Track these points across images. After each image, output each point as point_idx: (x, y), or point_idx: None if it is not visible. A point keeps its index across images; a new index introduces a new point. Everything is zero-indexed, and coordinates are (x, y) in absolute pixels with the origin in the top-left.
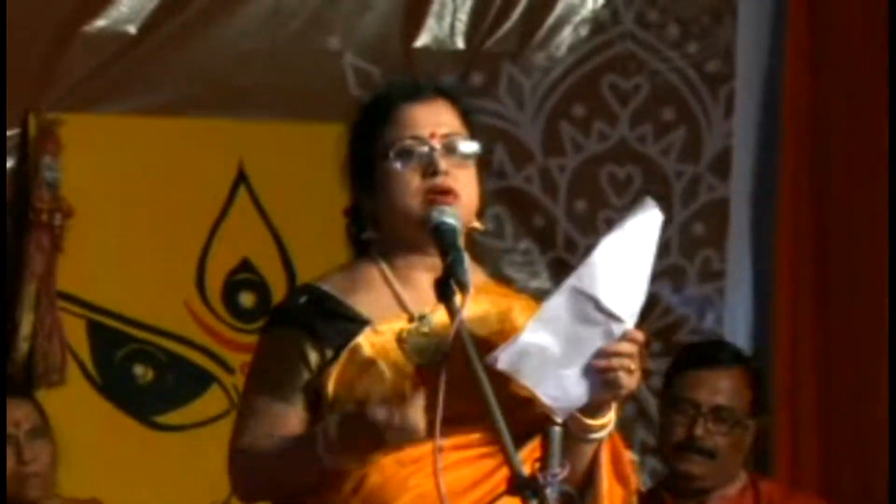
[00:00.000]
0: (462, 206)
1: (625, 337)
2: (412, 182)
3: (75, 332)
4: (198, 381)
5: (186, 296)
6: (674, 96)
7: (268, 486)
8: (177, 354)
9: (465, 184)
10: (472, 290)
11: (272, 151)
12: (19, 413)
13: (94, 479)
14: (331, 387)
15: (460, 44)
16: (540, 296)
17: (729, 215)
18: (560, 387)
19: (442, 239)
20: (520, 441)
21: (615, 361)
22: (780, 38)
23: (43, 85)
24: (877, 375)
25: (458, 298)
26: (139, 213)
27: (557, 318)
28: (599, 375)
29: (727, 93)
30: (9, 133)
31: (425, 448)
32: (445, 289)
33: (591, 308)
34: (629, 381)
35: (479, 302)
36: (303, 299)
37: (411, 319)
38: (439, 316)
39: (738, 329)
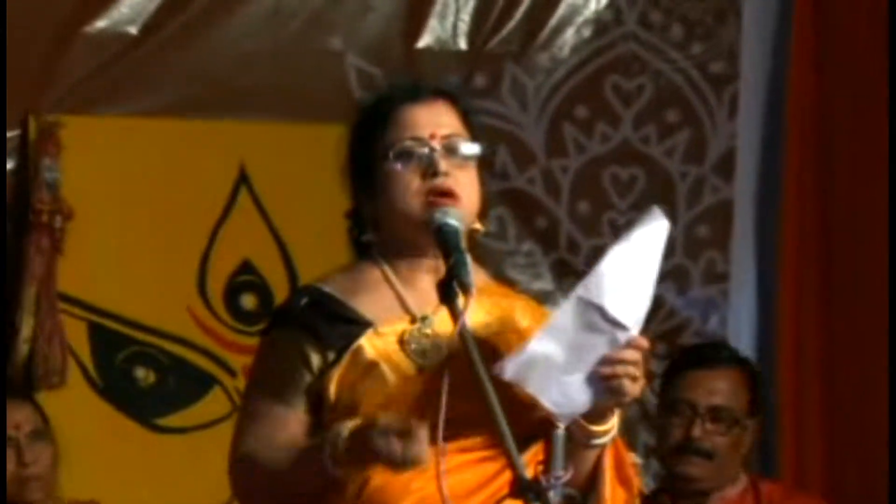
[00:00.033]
0: (462, 208)
1: (629, 344)
2: (412, 183)
3: (76, 335)
4: (199, 384)
5: (188, 298)
6: (677, 97)
7: (270, 493)
8: (178, 357)
9: (465, 185)
10: (474, 291)
11: (274, 153)
12: (20, 415)
13: (94, 482)
14: (332, 389)
15: (463, 45)
16: (543, 298)
17: (733, 217)
18: (563, 393)
19: (445, 241)
20: (523, 444)
21: (619, 369)
22: (785, 39)
23: (43, 86)
24: (881, 377)
25: (460, 300)
26: (140, 214)
27: (564, 327)
28: (603, 382)
29: (731, 94)
30: (9, 134)
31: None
32: (448, 291)
33: (597, 317)
34: (633, 389)
35: (480, 303)
36: (304, 301)
37: (413, 321)
38: (441, 317)
39: (742, 331)
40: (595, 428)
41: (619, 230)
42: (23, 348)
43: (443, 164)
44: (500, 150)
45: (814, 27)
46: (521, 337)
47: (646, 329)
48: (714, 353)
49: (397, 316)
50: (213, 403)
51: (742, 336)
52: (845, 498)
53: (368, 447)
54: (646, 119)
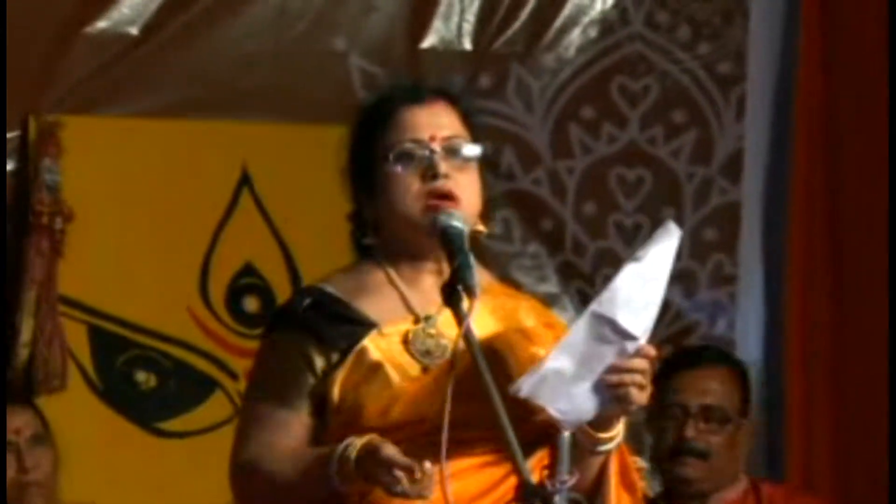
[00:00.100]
0: (462, 210)
1: (637, 353)
2: (412, 185)
3: (76, 338)
4: (201, 387)
5: (189, 300)
6: (684, 98)
7: (271, 499)
8: (179, 360)
9: (465, 187)
10: (479, 294)
11: (276, 154)
12: (20, 420)
13: (95, 486)
14: (336, 391)
15: (467, 45)
16: (548, 300)
17: (740, 219)
18: (570, 401)
19: (450, 243)
20: (528, 448)
21: (627, 377)
22: (793, 39)
23: (43, 86)
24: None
25: (465, 303)
26: (141, 216)
27: (577, 342)
28: (611, 390)
29: (738, 94)
30: (9, 135)
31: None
32: (453, 293)
33: (609, 330)
34: (640, 397)
35: (485, 304)
36: (307, 302)
37: (417, 321)
38: (445, 317)
39: (749, 334)
40: (601, 435)
41: (625, 232)
42: (23, 352)
43: (443, 167)
44: (505, 151)
45: (821, 28)
46: (526, 337)
47: (653, 333)
48: (702, 354)
49: (401, 316)
50: (215, 407)
51: (750, 339)
52: (853, 501)
53: (370, 475)
54: (652, 120)
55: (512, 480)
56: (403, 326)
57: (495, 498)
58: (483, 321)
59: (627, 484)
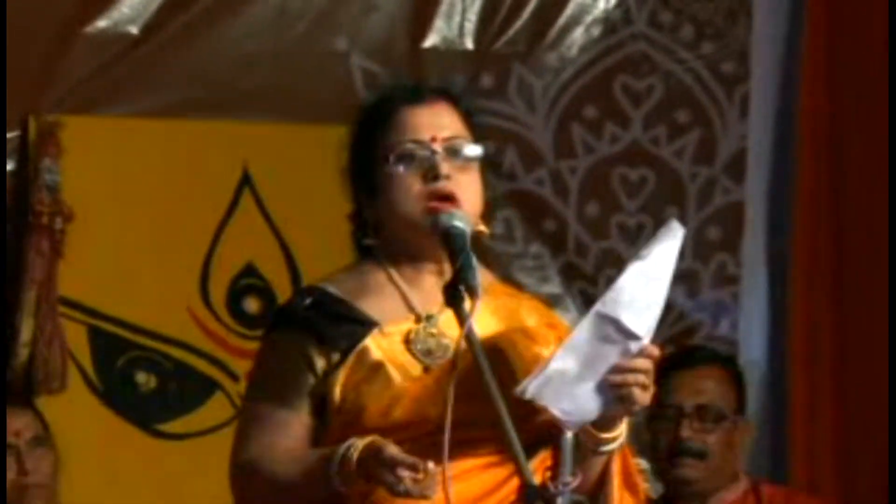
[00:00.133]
0: (464, 211)
1: (641, 353)
2: (413, 186)
3: (76, 339)
4: (201, 389)
5: (190, 301)
6: (688, 98)
7: (271, 500)
8: (180, 361)
9: (466, 188)
10: (481, 294)
11: (277, 154)
12: (20, 422)
13: (95, 489)
14: (337, 391)
15: (469, 44)
16: (551, 301)
17: (744, 218)
18: (573, 401)
19: (452, 244)
20: (531, 449)
21: (630, 377)
22: (796, 39)
23: (43, 86)
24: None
25: (467, 304)
26: (141, 216)
27: (581, 343)
28: (614, 391)
29: (742, 94)
30: (8, 135)
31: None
32: (455, 294)
33: (612, 329)
34: (643, 397)
35: (486, 303)
36: (307, 301)
37: (418, 320)
38: (447, 316)
39: (753, 334)
40: (603, 435)
41: (628, 232)
42: (22, 352)
43: (444, 167)
44: (507, 151)
45: (825, 27)
46: (528, 336)
47: (655, 333)
48: (696, 354)
49: (402, 316)
50: (216, 409)
51: (753, 340)
52: (857, 502)
53: (373, 475)
54: (655, 120)
55: (515, 481)
56: (405, 326)
57: (499, 499)
58: (485, 321)
59: (630, 485)
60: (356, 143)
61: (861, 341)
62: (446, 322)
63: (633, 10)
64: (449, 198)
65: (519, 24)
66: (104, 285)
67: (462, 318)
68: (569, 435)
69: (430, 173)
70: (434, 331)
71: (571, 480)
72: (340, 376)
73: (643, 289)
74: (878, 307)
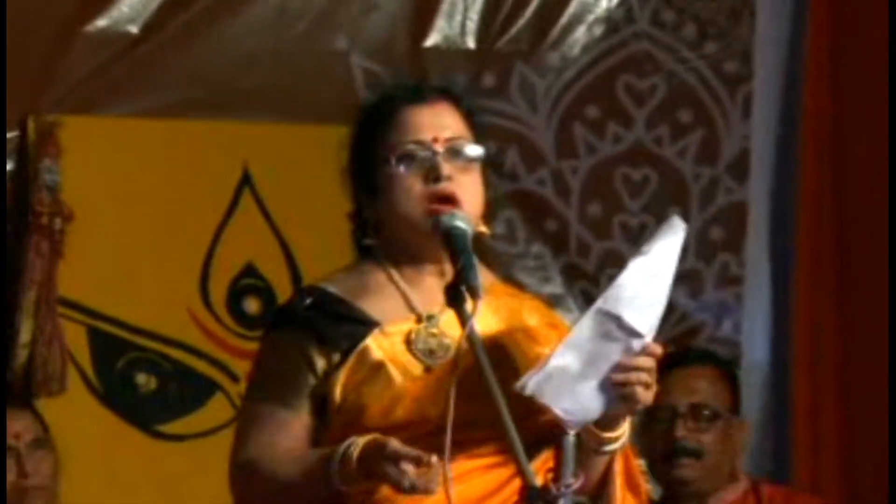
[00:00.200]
0: (465, 212)
1: (643, 351)
2: (414, 187)
3: (76, 340)
4: (201, 390)
5: (190, 302)
6: (691, 97)
7: (271, 501)
8: (180, 362)
9: (467, 189)
10: (482, 295)
11: (277, 154)
12: (20, 424)
13: (95, 490)
14: (338, 392)
15: (471, 43)
16: (552, 301)
17: (747, 219)
18: (575, 400)
19: (453, 244)
20: (532, 450)
21: (633, 376)
22: (800, 38)
23: (43, 86)
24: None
25: (468, 304)
26: (141, 216)
27: (582, 339)
28: (617, 389)
29: (745, 94)
30: (8, 135)
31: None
32: (456, 294)
33: (614, 327)
34: (646, 396)
35: (488, 303)
36: (308, 301)
37: (419, 320)
38: (448, 316)
39: (756, 335)
40: (606, 434)
41: (630, 232)
42: (22, 354)
43: (445, 168)
44: (509, 151)
45: (828, 26)
46: (529, 336)
47: (658, 334)
48: (688, 354)
49: (403, 316)
50: (216, 410)
51: (756, 340)
52: (860, 503)
53: (376, 470)
54: (658, 119)
55: (517, 482)
56: (406, 326)
57: (501, 499)
58: (486, 321)
59: (632, 486)
60: (357, 143)
61: (864, 342)
62: (447, 322)
63: (635, 9)
64: (450, 199)
65: (521, 23)
66: (104, 286)
67: (464, 319)
68: (570, 436)
69: (432, 174)
70: (435, 331)
71: (573, 482)
72: (341, 376)
73: (645, 285)
74: (881, 307)
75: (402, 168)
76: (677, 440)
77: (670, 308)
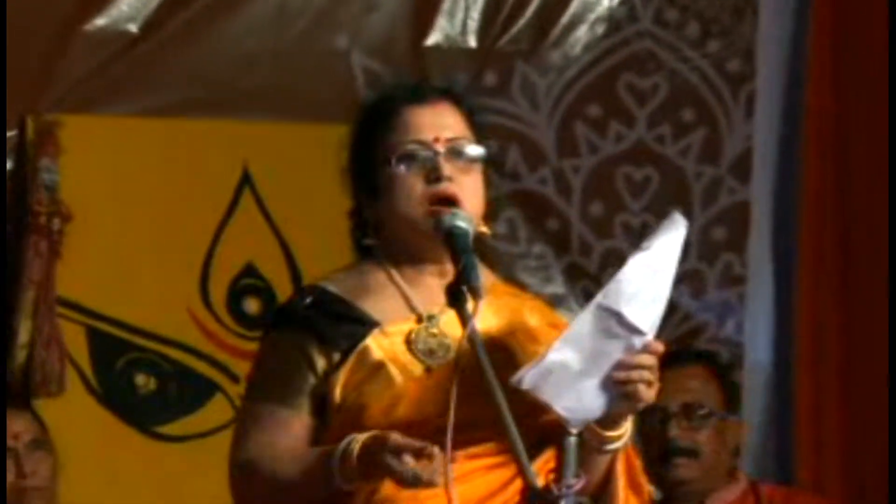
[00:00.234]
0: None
1: (645, 348)
2: (415, 187)
3: (75, 340)
4: (201, 391)
5: (189, 302)
6: (693, 96)
7: (272, 501)
8: (179, 363)
9: (468, 190)
10: (484, 295)
11: (277, 154)
12: (19, 425)
13: (94, 491)
14: (338, 392)
15: (472, 42)
16: (554, 301)
17: (750, 219)
18: (577, 399)
19: (455, 244)
20: (534, 450)
21: (634, 374)
22: (803, 37)
23: (42, 85)
24: None
25: (470, 304)
26: (141, 216)
27: (582, 335)
28: (619, 387)
29: (748, 93)
30: (6, 134)
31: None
32: (458, 295)
33: (615, 323)
34: (648, 394)
35: (489, 303)
36: (308, 301)
37: (420, 320)
38: (449, 316)
39: (759, 336)
40: (608, 433)
41: (632, 232)
42: (20, 354)
43: (447, 169)
44: (510, 151)
45: (831, 25)
46: (530, 336)
47: (660, 334)
48: (678, 354)
49: (403, 316)
50: (216, 411)
51: (759, 341)
52: (864, 503)
53: (379, 463)
54: (660, 118)
55: (519, 483)
56: (406, 326)
57: (504, 499)
58: (487, 321)
59: (635, 486)
60: (357, 142)
61: (867, 341)
62: (448, 322)
63: (637, 8)
64: (451, 200)
65: (522, 21)
66: (103, 286)
67: (465, 319)
68: (572, 437)
69: (433, 175)
70: (436, 331)
71: (575, 482)
72: (341, 376)
73: (647, 282)
74: (884, 306)
75: (402, 168)
76: (671, 440)
77: (673, 308)
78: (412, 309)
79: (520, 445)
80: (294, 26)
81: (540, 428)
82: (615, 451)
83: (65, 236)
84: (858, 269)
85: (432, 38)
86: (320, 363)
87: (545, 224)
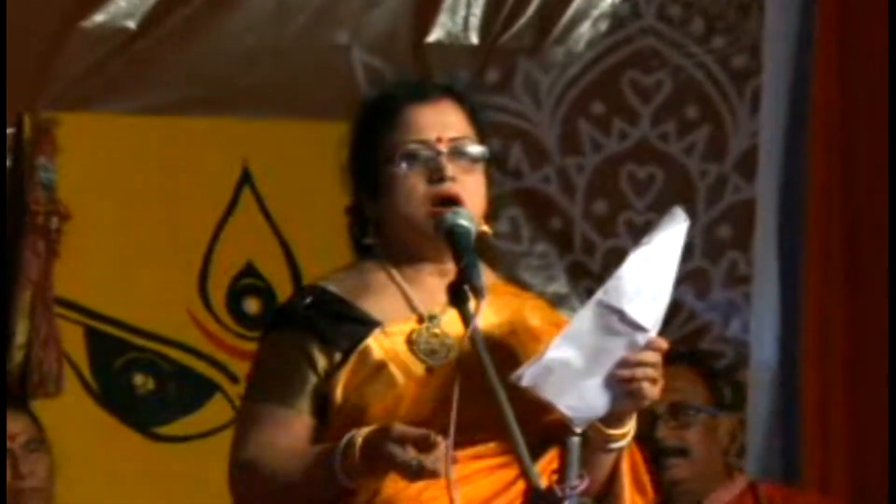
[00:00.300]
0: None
1: (648, 345)
2: (417, 187)
3: (73, 340)
4: (200, 391)
5: (189, 302)
6: (698, 93)
7: (272, 501)
8: (178, 363)
9: (471, 190)
10: (485, 294)
11: (278, 152)
12: (16, 426)
13: (92, 493)
14: (339, 392)
15: (474, 39)
16: (557, 301)
17: (755, 217)
18: (580, 397)
19: (456, 242)
20: (537, 450)
21: (638, 371)
22: (809, 33)
23: (39, 83)
24: None
25: (471, 304)
26: (139, 215)
27: (583, 332)
28: (622, 385)
29: (753, 89)
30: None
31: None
32: (459, 294)
33: (616, 320)
34: (652, 391)
35: (490, 303)
36: (308, 300)
37: (421, 320)
38: (450, 316)
39: (765, 335)
40: (612, 431)
41: (636, 231)
42: (17, 354)
43: (449, 169)
44: (513, 149)
45: (838, 21)
46: (532, 336)
47: (665, 333)
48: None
49: (404, 316)
50: (215, 411)
51: (765, 340)
52: (870, 502)
53: (382, 454)
54: (664, 116)
55: (522, 484)
56: (407, 326)
57: (507, 500)
58: (488, 320)
59: (639, 485)
60: (358, 141)
61: (873, 338)
62: (449, 322)
63: (641, 4)
64: (453, 201)
65: (525, 18)
66: (101, 285)
67: (466, 319)
68: (575, 437)
69: (435, 175)
70: (437, 331)
71: (578, 483)
72: (342, 377)
73: (648, 278)
74: (890, 303)
75: (404, 168)
76: (660, 441)
77: (678, 308)
78: (413, 309)
79: (522, 445)
80: (294, 23)
81: (543, 428)
82: (620, 450)
83: (63, 235)
84: (864, 265)
85: (434, 35)
86: (321, 362)
87: (548, 223)
